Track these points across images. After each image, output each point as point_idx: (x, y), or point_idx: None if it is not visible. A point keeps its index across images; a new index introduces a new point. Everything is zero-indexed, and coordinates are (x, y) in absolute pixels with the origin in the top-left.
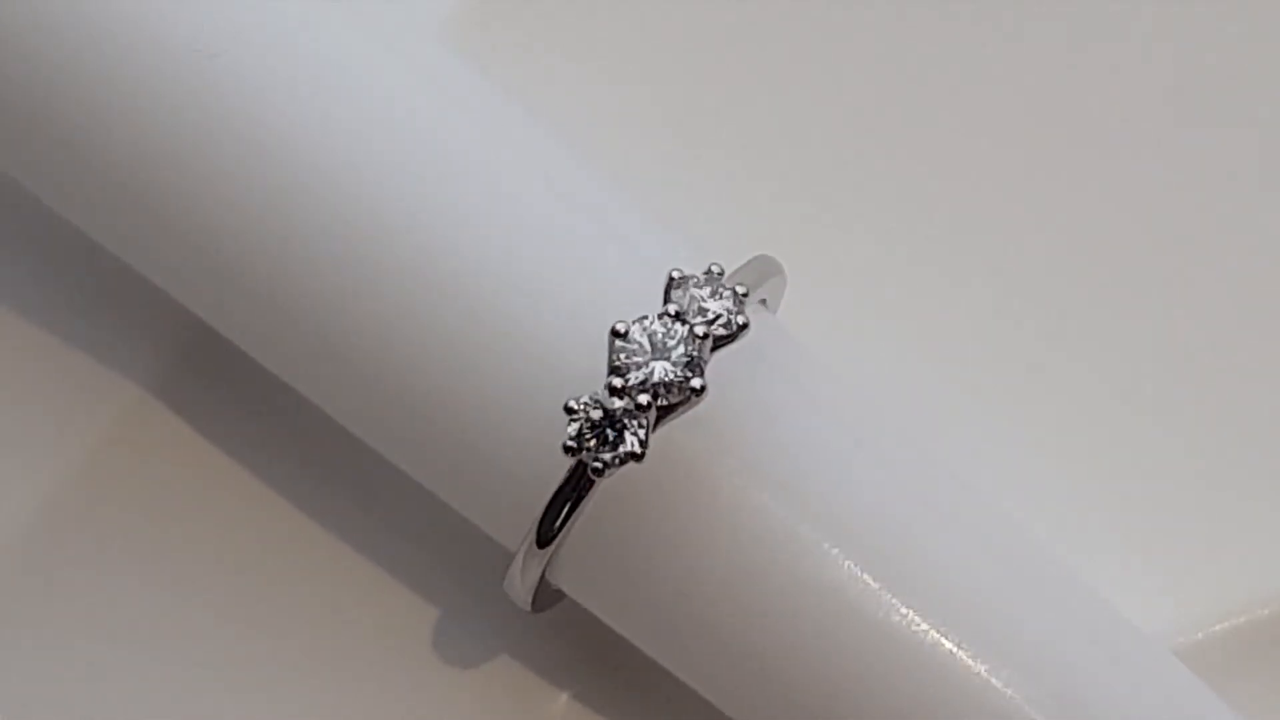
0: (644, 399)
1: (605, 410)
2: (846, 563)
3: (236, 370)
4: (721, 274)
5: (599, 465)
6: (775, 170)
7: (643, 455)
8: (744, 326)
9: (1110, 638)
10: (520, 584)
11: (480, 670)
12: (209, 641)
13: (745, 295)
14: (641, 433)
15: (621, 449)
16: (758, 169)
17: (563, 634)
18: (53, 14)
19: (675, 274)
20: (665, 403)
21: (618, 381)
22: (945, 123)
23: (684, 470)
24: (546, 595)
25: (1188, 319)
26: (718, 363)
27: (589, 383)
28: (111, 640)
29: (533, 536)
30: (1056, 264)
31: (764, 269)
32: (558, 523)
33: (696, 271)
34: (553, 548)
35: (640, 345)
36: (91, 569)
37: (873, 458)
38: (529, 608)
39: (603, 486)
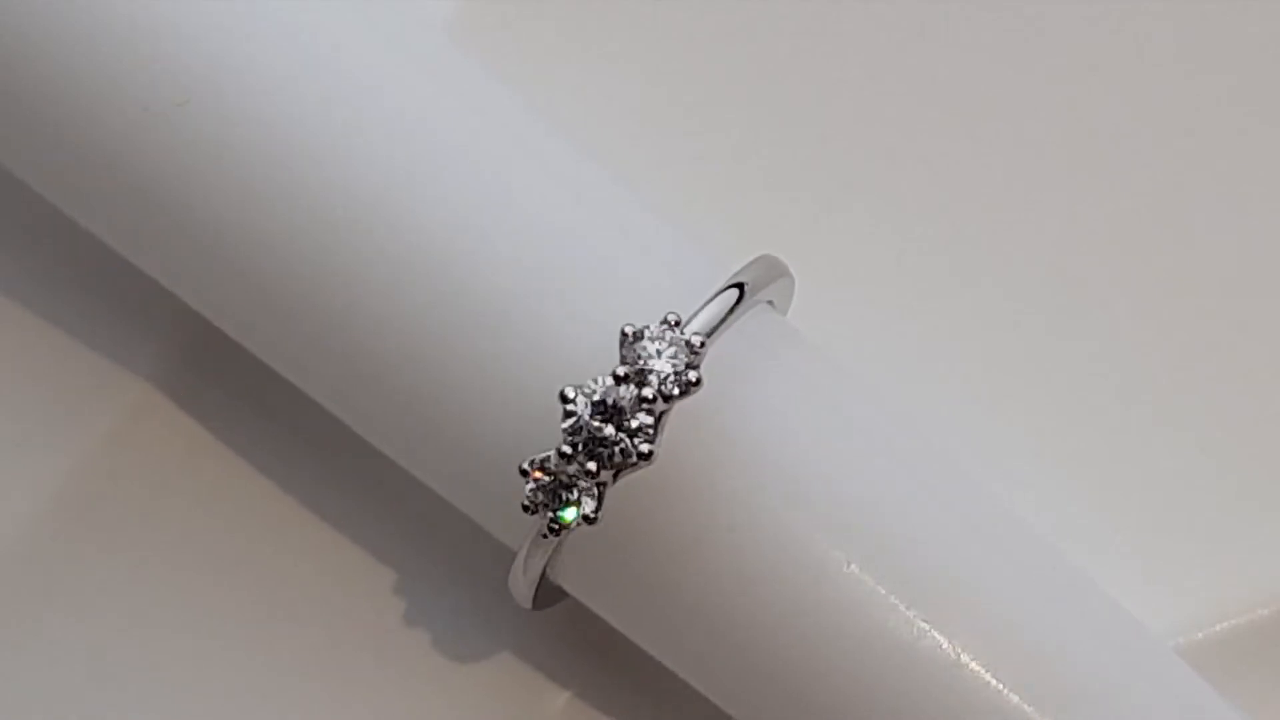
0: (592, 465)
1: (555, 475)
2: (850, 562)
3: (242, 365)
4: (678, 323)
5: (555, 527)
6: (779, 169)
7: (595, 519)
8: (696, 383)
9: (1114, 635)
10: (523, 581)
11: (481, 668)
12: (209, 638)
13: (701, 345)
14: (594, 500)
15: (579, 512)
16: (761, 168)
17: (564, 632)
18: (50, 9)
19: (628, 329)
20: (615, 468)
21: (567, 448)
22: (951, 122)
23: (688, 468)
24: (548, 593)
25: (1189, 320)
26: (721, 360)
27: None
28: (115, 635)
29: (536, 533)
30: (1060, 264)
31: (768, 270)
32: None
33: (652, 321)
34: (555, 543)
35: (592, 408)
36: (96, 565)
37: (878, 458)
38: (531, 605)
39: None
